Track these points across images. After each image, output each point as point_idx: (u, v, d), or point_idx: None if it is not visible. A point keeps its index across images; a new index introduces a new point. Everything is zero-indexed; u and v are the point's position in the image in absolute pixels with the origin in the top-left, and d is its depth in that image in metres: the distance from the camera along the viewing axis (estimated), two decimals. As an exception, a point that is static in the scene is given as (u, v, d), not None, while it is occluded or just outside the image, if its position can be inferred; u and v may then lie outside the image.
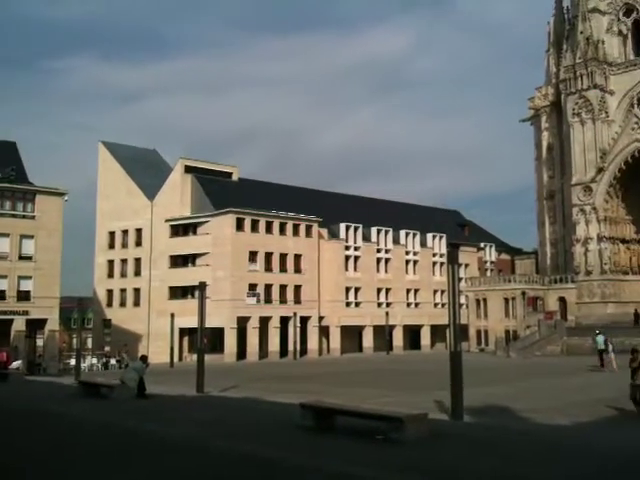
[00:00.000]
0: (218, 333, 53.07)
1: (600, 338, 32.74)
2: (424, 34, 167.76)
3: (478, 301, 58.38)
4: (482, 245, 74.55)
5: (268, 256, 57.11)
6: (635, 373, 16.45)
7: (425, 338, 67.19)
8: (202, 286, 23.82)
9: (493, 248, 75.61)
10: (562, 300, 54.29)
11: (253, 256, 56.18)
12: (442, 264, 65.26)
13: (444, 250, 66.95)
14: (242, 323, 54.36)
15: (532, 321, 51.80)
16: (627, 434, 13.85)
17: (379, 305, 64.20)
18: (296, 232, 59.11)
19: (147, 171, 62.90)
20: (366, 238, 64.15)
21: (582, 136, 51.89)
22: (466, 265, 69.17)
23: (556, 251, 59.14)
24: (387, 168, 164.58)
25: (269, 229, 57.59)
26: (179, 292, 56.68)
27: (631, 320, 47.31)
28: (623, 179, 50.43)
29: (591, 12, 52.53)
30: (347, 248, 62.62)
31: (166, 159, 68.31)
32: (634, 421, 15.67)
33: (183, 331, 54.20)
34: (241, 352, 54.09)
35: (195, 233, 57.85)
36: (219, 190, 59.01)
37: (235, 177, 64.10)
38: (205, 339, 24.13)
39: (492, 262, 74.76)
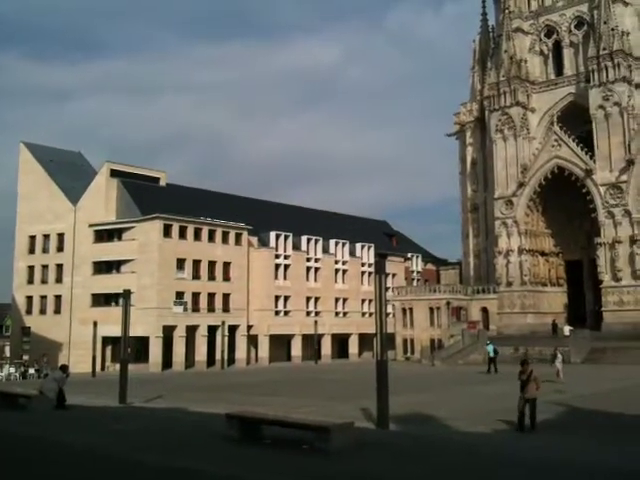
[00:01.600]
0: (143, 342, 51.89)
1: (490, 347, 37.72)
2: (355, 46, 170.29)
3: (405, 310, 59.34)
4: (409, 255, 75.93)
5: (196, 264, 56.33)
6: (525, 386, 15.69)
7: (353, 347, 67.76)
8: (126, 294, 23.31)
9: (420, 258, 77.16)
10: (484, 310, 55.95)
11: (181, 263, 55.28)
12: (370, 273, 66.12)
13: (372, 260, 67.79)
14: (168, 332, 53.33)
15: (456, 330, 53.11)
16: (545, 442, 14.36)
17: (308, 314, 64.34)
18: (225, 240, 58.59)
19: (71, 174, 60.97)
20: (296, 247, 64.26)
21: (504, 152, 53.75)
22: (393, 275, 70.27)
23: (479, 262, 60.94)
24: (318, 178, 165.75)
25: (197, 236, 56.84)
26: (102, 300, 55.11)
27: (549, 330, 49.22)
28: (543, 194, 52.48)
29: (515, 32, 54.60)
30: (277, 256, 62.52)
31: (92, 162, 66.48)
32: (551, 429, 16.28)
33: (106, 340, 52.70)
34: (167, 361, 53.02)
35: (120, 239, 56.44)
36: (146, 195, 57.81)
37: (163, 182, 62.99)
38: (129, 348, 23.54)
39: (418, 272, 76.25)
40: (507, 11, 54.55)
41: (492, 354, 37.38)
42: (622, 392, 24.51)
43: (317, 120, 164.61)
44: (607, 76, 48.07)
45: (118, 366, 27.21)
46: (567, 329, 46.20)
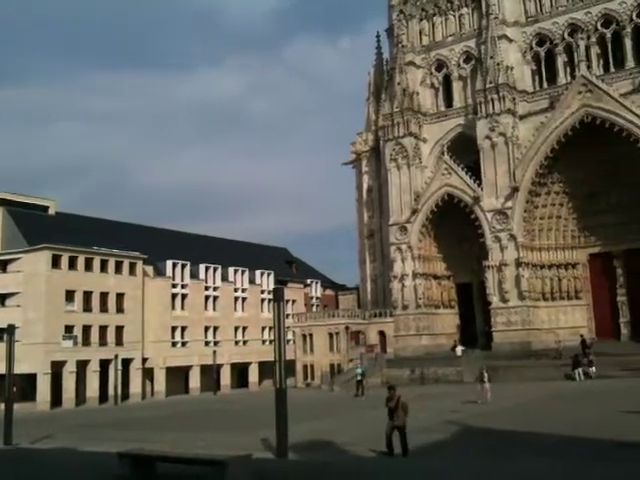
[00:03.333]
0: (30, 379, 48.97)
1: (359, 370, 40.78)
2: (257, 78, 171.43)
3: (304, 336, 59.41)
4: (308, 281, 76.38)
5: (87, 295, 54.03)
6: (394, 413, 15.29)
7: (253, 376, 66.96)
8: (10, 329, 22.02)
9: (319, 284, 77.80)
10: (382, 334, 56.94)
11: (70, 295, 52.83)
12: (270, 300, 65.82)
13: (272, 287, 67.63)
14: (57, 368, 50.62)
15: (355, 355, 53.65)
16: (443, 462, 14.65)
17: (207, 344, 63.05)
18: (119, 270, 56.64)
19: (-50, 203, 57.24)
20: (194, 275, 63.09)
21: (398, 180, 55.43)
22: (293, 301, 70.39)
23: (376, 287, 62.14)
24: (218, 207, 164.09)
25: (89, 266, 54.63)
26: (-15, 335, 51.68)
27: (443, 351, 50.76)
28: (435, 220, 54.40)
29: (407, 65, 56.77)
30: (174, 286, 61.06)
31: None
32: (445, 450, 16.64)
33: (-11, 378, 49.33)
34: (56, 399, 50.24)
35: (5, 271, 53.31)
36: (33, 225, 55.10)
37: (52, 211, 60.29)
38: (14, 386, 22.20)
39: (318, 298, 76.82)
40: (400, 45, 56.67)
41: (360, 377, 39.87)
42: (513, 410, 25.51)
43: (221, 150, 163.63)
44: (493, 108, 50.75)
45: (3, 405, 25.60)
46: (459, 349, 47.78)
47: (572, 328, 49.02)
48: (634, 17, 48.25)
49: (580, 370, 37.20)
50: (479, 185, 51.13)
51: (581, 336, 42.84)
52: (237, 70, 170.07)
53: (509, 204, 49.72)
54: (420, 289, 53.71)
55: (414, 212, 54.05)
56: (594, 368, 37.41)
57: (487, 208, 50.49)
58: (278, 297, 16.27)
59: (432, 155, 55.96)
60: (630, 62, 48.24)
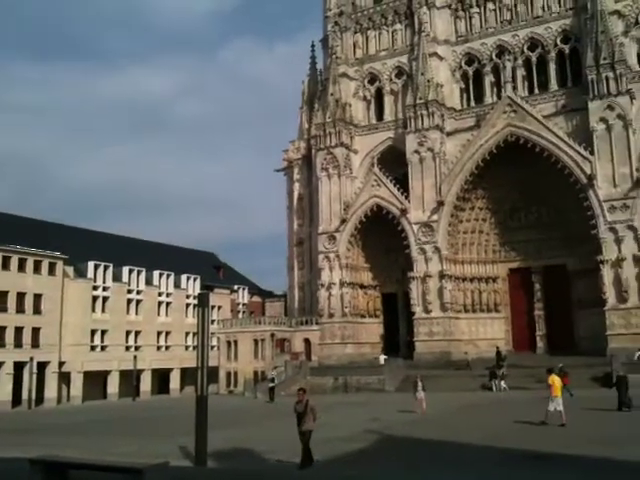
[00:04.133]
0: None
1: (271, 376, 43.62)
2: (188, 79, 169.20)
3: (229, 343, 58.89)
4: (236, 287, 75.83)
5: (3, 295, 51.87)
6: (302, 418, 14.61)
7: (175, 382, 65.79)
8: None
9: (246, 290, 77.36)
10: (307, 341, 57.11)
11: (-15, 294, 50.66)
12: (196, 306, 64.93)
13: (198, 292, 66.69)
14: (-33, 370, 48.36)
15: (279, 362, 53.58)
16: (361, 472, 14.79)
17: (127, 349, 61.57)
18: (37, 269, 54.63)
19: None
20: (117, 278, 61.55)
21: (329, 189, 55.92)
22: (219, 307, 69.70)
23: (303, 294, 62.33)
24: (144, 208, 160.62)
25: (5, 265, 52.48)
26: None
27: (366, 360, 51.41)
28: (363, 230, 55.11)
29: (341, 77, 57.40)
30: (95, 288, 59.38)
31: None
32: (363, 459, 16.81)
33: None
34: (-36, 403, 47.93)
35: None
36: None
37: (-33, 207, 57.62)
38: None
39: (244, 304, 76.35)
40: (334, 56, 57.24)
41: (271, 384, 42.15)
42: (432, 419, 26.04)
43: (148, 150, 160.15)
44: (422, 123, 51.92)
45: None
46: (382, 358, 48.48)
47: (491, 340, 50.56)
48: (558, 42, 50.46)
49: (496, 381, 38.34)
50: (407, 198, 52.15)
51: (497, 348, 44.28)
52: (170, 69, 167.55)
53: (435, 217, 50.92)
54: (347, 298, 54.24)
55: (343, 221, 54.59)
56: (504, 382, 38.37)
57: (414, 220, 51.53)
58: (203, 302, 16.09)
59: (362, 166, 56.69)
60: (553, 85, 50.40)
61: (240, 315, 71.92)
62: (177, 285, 67.80)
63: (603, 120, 45.44)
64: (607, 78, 45.31)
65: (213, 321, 65.93)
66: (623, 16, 47.67)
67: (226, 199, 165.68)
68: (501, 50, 52.45)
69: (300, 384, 47.00)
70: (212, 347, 64.53)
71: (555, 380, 21.59)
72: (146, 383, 62.72)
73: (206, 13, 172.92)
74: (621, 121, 44.98)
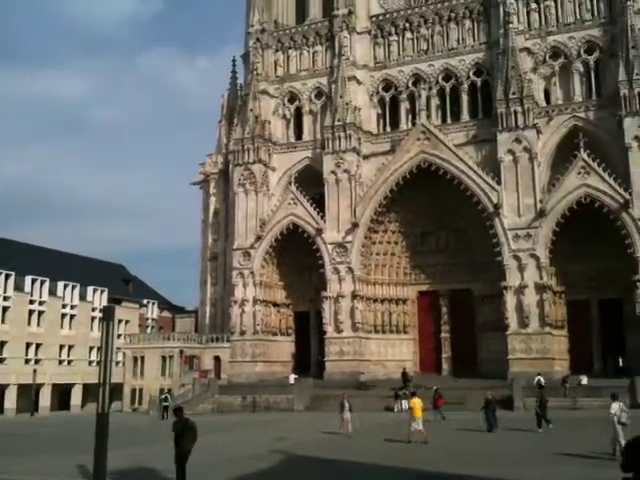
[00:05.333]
0: None
1: (164, 395, 44.63)
2: (106, 84, 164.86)
3: (135, 359, 57.30)
4: (145, 302, 74.01)
5: None
6: (180, 438, 13.92)
7: (76, 398, 63.24)
8: None
9: (156, 305, 75.62)
10: (217, 359, 56.26)
11: None
12: (101, 319, 62.80)
13: (105, 304, 64.69)
14: None
15: (187, 379, 52.56)
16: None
17: (27, 362, 58.77)
18: None
19: None
20: (18, 287, 58.79)
21: (245, 205, 55.64)
22: (127, 321, 67.82)
23: (215, 311, 61.50)
24: (50, 215, 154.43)
25: None
26: None
27: (276, 378, 51.20)
28: (278, 247, 55.09)
29: (261, 94, 57.45)
30: (-6, 297, 56.51)
31: None
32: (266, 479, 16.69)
33: None
34: None
35: None
36: None
37: None
38: None
39: (154, 319, 74.58)
40: (255, 73, 57.28)
41: (165, 403, 43.19)
42: (337, 439, 26.16)
43: (57, 155, 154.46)
44: (340, 145, 52.68)
45: None
46: (292, 377, 48.40)
47: (399, 361, 51.50)
48: (471, 75, 52.60)
49: (400, 402, 38.89)
50: (323, 217, 52.64)
51: (403, 369, 45.12)
52: (87, 74, 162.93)
53: (349, 238, 51.62)
54: (259, 315, 53.93)
55: (259, 238, 54.43)
56: (405, 402, 39.03)
57: (328, 240, 52.04)
58: (108, 315, 15.56)
59: (280, 184, 56.84)
60: (465, 116, 52.41)
61: (149, 330, 70.16)
62: (83, 297, 65.49)
63: (510, 152, 47.63)
64: (515, 112, 47.61)
65: (119, 335, 64.03)
66: (532, 53, 50.29)
67: (139, 210, 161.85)
68: (417, 78, 54.11)
69: (207, 402, 46.39)
70: (117, 363, 62.66)
71: (416, 403, 23.71)
72: (45, 398, 60.00)
73: (126, 20, 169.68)
74: (527, 154, 47.28)
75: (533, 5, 51.20)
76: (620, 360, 45.81)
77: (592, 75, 49.18)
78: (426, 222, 53.27)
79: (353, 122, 52.72)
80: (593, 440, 20.70)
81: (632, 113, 44.95)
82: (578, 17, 50.02)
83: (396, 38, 55.54)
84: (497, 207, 47.23)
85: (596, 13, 49.61)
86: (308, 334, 56.86)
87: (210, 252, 62.91)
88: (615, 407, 17.81)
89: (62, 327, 63.20)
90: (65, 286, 63.63)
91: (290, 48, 58.80)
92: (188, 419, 14.29)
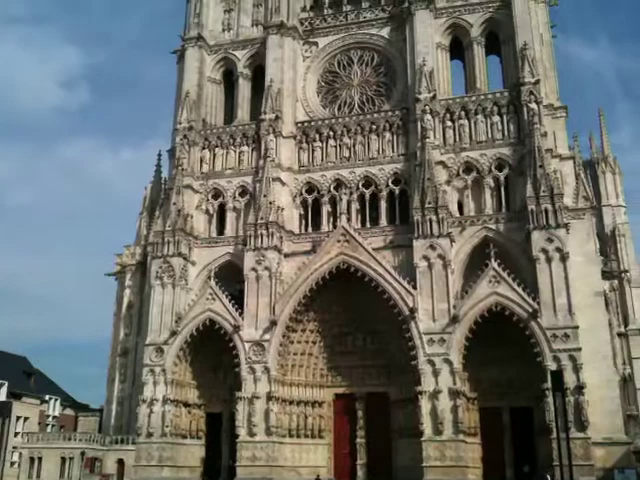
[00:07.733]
0: None
1: None
2: (24, 168, 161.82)
3: (32, 459, 53.50)
4: (47, 397, 69.67)
5: None
6: None
7: (-40, 504, 57.62)
8: None
9: (59, 402, 71.26)
10: (121, 462, 52.92)
11: None
12: (-3, 416, 58.40)
13: (3, 399, 60.58)
14: None
15: (87, 484, 49.27)
16: None
17: None
18: None
19: None
20: None
21: (162, 298, 54.35)
22: (26, 418, 63.26)
23: (122, 410, 58.25)
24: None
25: None
26: None
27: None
28: (194, 344, 53.61)
29: (185, 188, 57.57)
30: None
31: None
32: None
33: None
34: None
35: None
36: None
37: None
38: None
39: (55, 417, 70.03)
40: (180, 168, 57.58)
41: None
42: None
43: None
44: (262, 243, 52.92)
45: None
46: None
47: (313, 467, 49.98)
48: (390, 183, 54.67)
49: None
50: (241, 314, 52.01)
51: (317, 476, 43.75)
52: (6, 155, 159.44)
53: (267, 336, 50.99)
54: (168, 416, 51.56)
55: (173, 334, 53.00)
56: None
57: (246, 338, 51.21)
58: (3, 412, 14.50)
59: (199, 279, 56.19)
60: (383, 221, 54.02)
61: (49, 429, 65.74)
62: (-21, 391, 61.07)
63: (425, 258, 49.10)
64: (430, 220, 49.54)
65: (17, 434, 60.11)
66: (447, 167, 52.98)
67: (46, 298, 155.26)
68: (339, 183, 55.79)
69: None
70: (12, 463, 58.16)
71: None
72: None
73: (52, 108, 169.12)
74: (441, 260, 48.84)
75: (448, 123, 54.48)
76: (525, 467, 46.60)
77: (502, 190, 52.06)
78: (343, 323, 53.41)
79: (276, 221, 53.38)
80: None
81: (539, 227, 47.57)
82: (490, 136, 53.46)
83: (320, 144, 57.54)
84: (412, 311, 48.05)
85: (506, 133, 53.18)
86: (220, 437, 54.65)
87: (121, 347, 60.50)
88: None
89: (-48, 424, 58.29)
90: (-41, 379, 59.42)
91: (217, 147, 59.80)
92: None
